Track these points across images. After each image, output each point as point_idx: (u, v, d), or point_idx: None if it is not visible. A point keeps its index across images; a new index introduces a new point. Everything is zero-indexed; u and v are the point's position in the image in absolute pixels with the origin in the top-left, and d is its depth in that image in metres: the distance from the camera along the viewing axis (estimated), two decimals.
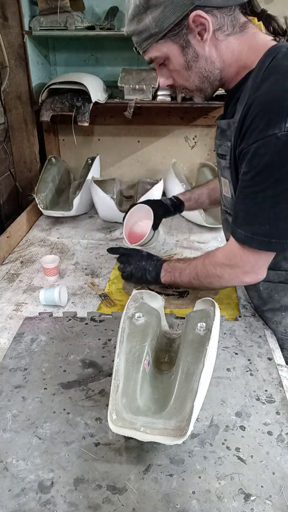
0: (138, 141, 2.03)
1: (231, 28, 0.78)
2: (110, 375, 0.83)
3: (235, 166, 0.85)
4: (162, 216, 1.31)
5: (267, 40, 0.80)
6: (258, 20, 0.83)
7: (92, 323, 1.01)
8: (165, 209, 1.30)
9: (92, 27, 1.67)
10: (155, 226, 1.29)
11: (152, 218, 1.27)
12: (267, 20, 0.83)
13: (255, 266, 0.87)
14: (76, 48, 1.86)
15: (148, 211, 1.28)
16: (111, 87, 1.85)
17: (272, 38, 0.81)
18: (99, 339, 0.95)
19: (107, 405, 0.69)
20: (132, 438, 0.65)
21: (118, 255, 1.19)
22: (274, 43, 0.79)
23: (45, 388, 0.82)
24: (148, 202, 1.32)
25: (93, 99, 1.63)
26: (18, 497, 0.62)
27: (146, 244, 1.32)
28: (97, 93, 1.68)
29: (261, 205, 0.77)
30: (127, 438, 0.70)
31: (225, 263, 0.91)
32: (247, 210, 0.80)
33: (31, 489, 0.63)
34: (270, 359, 0.89)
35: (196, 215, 1.59)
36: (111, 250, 1.23)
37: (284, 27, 0.83)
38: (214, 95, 0.90)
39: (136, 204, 1.36)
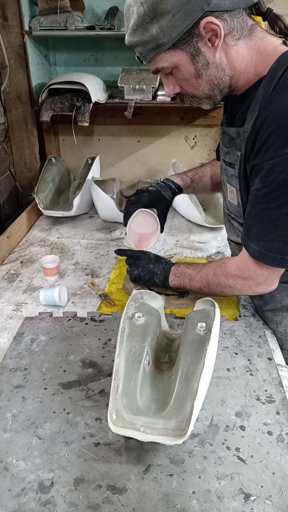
0: (138, 141, 2.03)
1: (240, 32, 0.75)
2: (110, 375, 0.83)
3: (245, 177, 0.84)
4: (165, 213, 1.25)
5: (276, 45, 0.77)
6: (264, 20, 0.81)
7: (92, 323, 1.01)
8: (167, 204, 1.24)
9: (92, 27, 1.67)
10: (161, 229, 1.24)
11: (159, 227, 1.22)
12: (273, 20, 0.80)
13: (269, 278, 0.88)
14: (76, 48, 1.86)
15: (152, 214, 1.23)
16: (111, 87, 1.85)
17: (281, 41, 0.78)
18: (99, 339, 0.95)
19: (107, 405, 0.69)
20: (132, 438, 0.65)
21: (126, 257, 1.17)
22: (284, 47, 0.77)
23: (45, 388, 0.82)
24: (150, 199, 1.23)
25: (93, 99, 1.63)
26: (18, 497, 0.62)
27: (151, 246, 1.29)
28: (97, 93, 1.68)
29: (275, 222, 0.77)
30: (127, 438, 0.70)
31: (238, 275, 0.91)
32: (261, 226, 0.80)
33: (31, 489, 0.63)
34: (270, 359, 0.89)
35: (196, 215, 1.59)
36: (118, 252, 1.21)
37: None
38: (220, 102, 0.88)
39: (138, 193, 1.25)
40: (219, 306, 0.81)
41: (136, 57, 0.82)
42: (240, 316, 1.04)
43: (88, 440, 0.71)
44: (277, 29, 0.80)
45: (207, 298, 0.88)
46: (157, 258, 1.12)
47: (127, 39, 0.78)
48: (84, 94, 1.65)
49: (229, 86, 0.82)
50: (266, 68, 0.76)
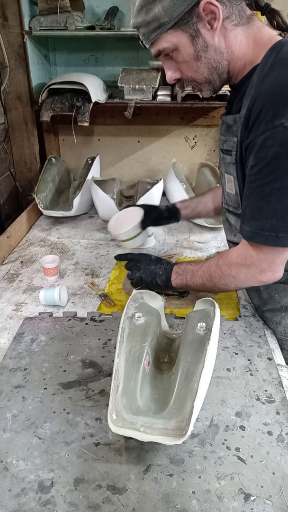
0: (138, 141, 2.03)
1: (239, 18, 0.78)
2: (110, 375, 0.83)
3: (241, 161, 0.84)
4: (155, 220, 1.27)
5: (272, 35, 0.79)
6: (262, 15, 0.83)
7: (92, 323, 1.01)
8: (159, 213, 1.27)
9: (92, 27, 1.67)
10: (144, 225, 1.26)
11: (142, 215, 1.24)
12: (271, 14, 0.82)
13: (272, 264, 0.83)
14: (76, 48, 1.86)
15: (139, 210, 1.26)
16: (111, 87, 1.85)
17: (277, 33, 0.80)
18: (99, 339, 0.95)
19: (107, 405, 0.69)
20: (132, 438, 0.65)
21: (126, 262, 1.14)
22: (280, 38, 0.79)
23: (45, 388, 0.82)
24: (142, 206, 1.29)
25: (93, 99, 1.63)
26: (18, 497, 0.62)
27: (133, 243, 1.28)
28: (97, 93, 1.68)
29: (268, 198, 0.75)
30: (127, 438, 0.70)
31: (240, 262, 0.88)
32: (254, 205, 0.78)
33: (31, 489, 0.63)
34: (270, 359, 0.89)
35: None
36: (119, 257, 1.19)
37: None
38: (219, 91, 0.89)
39: (129, 206, 1.35)
40: (219, 306, 0.81)
41: (140, 42, 0.84)
42: (240, 316, 1.04)
43: (88, 440, 0.71)
44: (275, 24, 0.82)
45: (207, 298, 0.88)
46: (158, 260, 1.10)
47: (132, 21, 0.81)
48: (84, 94, 1.65)
49: (227, 72, 0.83)
50: (261, 56, 0.77)
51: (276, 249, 0.81)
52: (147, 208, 1.28)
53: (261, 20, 0.82)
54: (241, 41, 0.79)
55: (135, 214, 1.27)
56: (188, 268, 1.03)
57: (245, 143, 0.79)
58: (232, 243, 1.03)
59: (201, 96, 0.91)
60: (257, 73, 0.77)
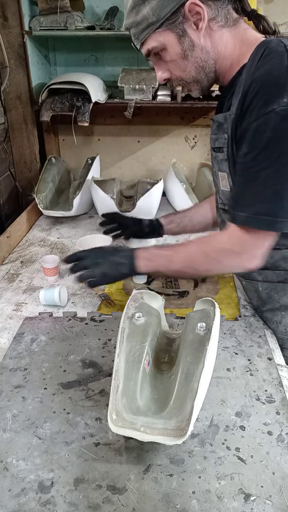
0: (138, 141, 2.03)
1: (225, 20, 0.81)
2: (110, 375, 0.83)
3: (233, 158, 0.84)
4: (135, 234, 1.24)
5: (257, 36, 0.82)
6: (249, 19, 0.86)
7: (92, 323, 1.01)
8: (139, 228, 1.22)
9: (92, 27, 1.67)
10: (125, 238, 1.24)
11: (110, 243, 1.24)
12: (257, 19, 0.85)
13: (262, 250, 0.82)
14: (76, 48, 1.86)
15: (107, 240, 1.28)
16: (111, 87, 1.85)
17: (264, 36, 0.83)
18: (99, 339, 0.95)
19: (107, 405, 0.69)
20: (132, 438, 0.65)
21: (74, 262, 0.97)
22: (264, 39, 0.81)
23: (45, 388, 0.82)
24: (126, 219, 1.26)
25: (93, 99, 1.63)
26: (18, 497, 0.62)
27: None
28: (97, 93, 1.68)
29: (264, 183, 0.75)
30: (127, 438, 0.70)
31: (231, 249, 0.85)
32: (248, 191, 0.78)
33: (31, 489, 0.63)
34: (270, 359, 0.89)
35: None
36: (65, 260, 0.99)
37: (274, 28, 0.85)
38: (210, 90, 0.91)
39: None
40: (219, 306, 0.81)
41: (132, 44, 0.87)
42: (240, 316, 1.04)
43: (88, 440, 0.71)
44: (261, 28, 0.85)
45: (207, 298, 0.88)
46: (114, 249, 1.01)
47: (124, 23, 0.85)
48: (84, 94, 1.65)
49: (214, 72, 0.86)
50: (248, 55, 0.79)
51: (270, 235, 0.80)
52: (130, 221, 1.25)
53: (247, 23, 0.85)
54: (227, 41, 0.82)
55: (103, 241, 1.30)
56: (159, 253, 0.95)
57: (239, 130, 0.80)
58: None
59: (193, 96, 0.93)
60: (246, 71, 0.78)
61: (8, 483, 0.64)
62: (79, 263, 0.96)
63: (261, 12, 0.90)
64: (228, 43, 0.82)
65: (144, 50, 0.86)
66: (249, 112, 0.75)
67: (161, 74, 0.88)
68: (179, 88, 0.93)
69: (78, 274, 0.95)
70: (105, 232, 1.26)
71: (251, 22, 0.86)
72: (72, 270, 0.96)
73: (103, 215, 1.28)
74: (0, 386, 0.82)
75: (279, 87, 0.71)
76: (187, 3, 0.77)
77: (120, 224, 1.25)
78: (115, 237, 1.27)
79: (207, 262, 0.89)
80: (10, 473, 0.65)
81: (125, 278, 1.02)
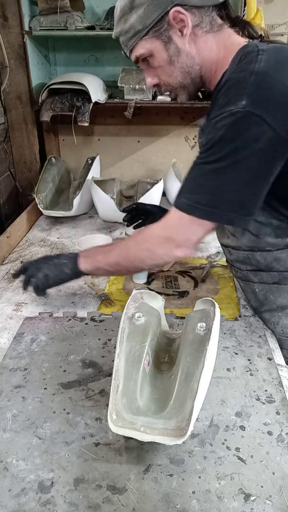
0: (138, 141, 2.03)
1: (210, 26, 0.84)
2: (110, 375, 0.83)
3: None
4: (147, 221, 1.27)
5: (241, 41, 0.84)
6: (234, 26, 0.88)
7: (92, 323, 1.01)
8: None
9: (92, 27, 1.67)
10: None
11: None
12: (242, 25, 0.88)
13: (193, 239, 0.85)
14: (76, 48, 1.86)
15: (107, 239, 1.29)
16: (111, 87, 1.84)
17: (246, 40, 0.85)
18: (99, 339, 0.95)
19: (107, 405, 0.69)
20: (132, 438, 0.65)
21: (16, 273, 1.06)
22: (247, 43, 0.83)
23: (45, 388, 0.82)
24: (145, 206, 1.29)
25: (93, 99, 1.63)
26: (18, 497, 0.62)
27: None
28: (97, 93, 1.68)
29: (208, 176, 0.78)
30: (127, 438, 0.70)
31: (160, 234, 0.88)
32: (194, 180, 0.81)
33: (31, 489, 0.63)
34: (270, 359, 0.89)
35: None
36: (13, 276, 1.10)
37: (260, 33, 0.87)
38: (196, 95, 0.94)
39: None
40: (219, 306, 0.81)
41: (122, 53, 0.91)
42: (240, 316, 1.04)
43: (88, 440, 0.71)
44: (246, 33, 0.87)
45: (207, 298, 0.88)
46: (58, 254, 1.06)
47: (113, 32, 0.89)
48: (84, 94, 1.65)
49: (200, 77, 0.89)
50: (230, 61, 0.82)
51: (205, 225, 0.82)
52: (156, 208, 1.27)
53: (231, 29, 0.87)
54: (212, 46, 0.85)
55: (103, 241, 1.32)
56: (99, 249, 1.00)
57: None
58: (225, 246, 1.03)
59: (178, 101, 0.97)
60: (226, 76, 0.81)
61: (8, 483, 0.64)
62: (25, 274, 1.03)
63: (261, 12, 0.91)
64: (213, 48, 0.85)
65: (133, 57, 0.89)
66: (213, 111, 0.79)
67: (150, 80, 0.92)
68: (167, 93, 0.96)
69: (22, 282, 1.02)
70: (128, 222, 1.27)
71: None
72: (22, 281, 1.03)
73: (124, 210, 1.29)
74: (0, 386, 0.82)
75: (240, 89, 0.73)
76: (171, 11, 0.80)
77: (145, 212, 1.26)
78: (137, 227, 1.27)
79: (140, 252, 0.91)
80: (10, 473, 0.65)
81: (69, 278, 1.01)
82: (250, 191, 0.77)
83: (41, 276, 1.00)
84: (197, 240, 0.86)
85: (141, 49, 0.86)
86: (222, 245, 1.06)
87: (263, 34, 0.88)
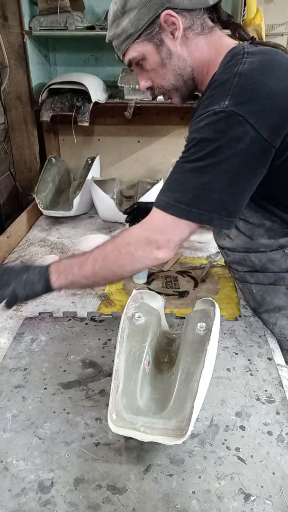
0: (138, 141, 2.03)
1: (201, 29, 0.84)
2: (110, 375, 0.83)
3: None
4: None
5: (230, 43, 0.85)
6: (225, 28, 0.89)
7: (92, 323, 1.01)
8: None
9: (92, 27, 1.67)
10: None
11: None
12: (233, 27, 0.89)
13: (174, 239, 0.82)
14: (76, 48, 1.86)
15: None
16: (111, 87, 1.84)
17: (237, 42, 0.85)
18: (99, 339, 0.95)
19: (107, 405, 0.69)
20: (132, 438, 0.65)
21: None
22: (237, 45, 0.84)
23: (45, 388, 0.82)
24: (146, 205, 1.29)
25: (93, 99, 1.63)
26: (18, 497, 0.62)
27: None
28: (97, 93, 1.68)
29: (189, 175, 0.77)
30: (127, 438, 0.70)
31: (139, 235, 0.84)
32: (175, 179, 0.80)
33: (31, 489, 0.63)
34: (270, 359, 0.89)
35: None
36: None
37: (252, 35, 0.88)
38: (190, 96, 0.94)
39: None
40: (219, 306, 0.81)
41: (116, 56, 0.91)
42: (240, 316, 1.04)
43: (88, 440, 0.71)
44: (237, 35, 0.88)
45: (207, 298, 0.88)
46: (26, 267, 0.93)
47: (107, 36, 0.89)
48: (84, 94, 1.65)
49: (192, 79, 0.89)
50: (218, 64, 0.83)
51: (186, 225, 0.80)
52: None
53: (222, 32, 0.88)
54: (203, 48, 0.85)
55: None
56: (73, 261, 0.90)
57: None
58: (222, 248, 1.03)
59: (173, 103, 0.97)
60: (213, 77, 0.81)
61: (8, 483, 0.64)
62: None
63: (261, 12, 0.91)
64: (204, 50, 0.85)
65: (126, 61, 0.90)
66: (197, 111, 0.80)
67: (144, 83, 0.92)
68: (160, 96, 0.97)
69: None
70: (130, 223, 1.26)
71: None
72: None
73: (126, 212, 1.29)
74: (0, 386, 0.82)
75: (224, 90, 0.73)
76: (162, 15, 0.81)
77: (147, 210, 1.24)
78: None
79: (119, 256, 0.86)
80: (10, 473, 0.65)
81: (41, 294, 0.92)
82: (231, 191, 0.76)
83: (9, 294, 0.90)
84: (179, 241, 0.83)
85: (133, 52, 0.87)
86: (219, 246, 1.06)
87: (255, 36, 0.89)
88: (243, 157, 0.73)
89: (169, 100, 0.96)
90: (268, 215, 0.89)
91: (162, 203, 0.81)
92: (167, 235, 0.82)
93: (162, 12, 0.81)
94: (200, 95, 0.93)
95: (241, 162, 0.74)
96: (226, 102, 0.72)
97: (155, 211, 0.83)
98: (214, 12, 0.87)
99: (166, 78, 0.89)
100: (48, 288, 0.90)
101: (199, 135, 0.75)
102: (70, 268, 0.89)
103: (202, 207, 0.77)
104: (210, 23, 0.86)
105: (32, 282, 0.90)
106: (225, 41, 0.86)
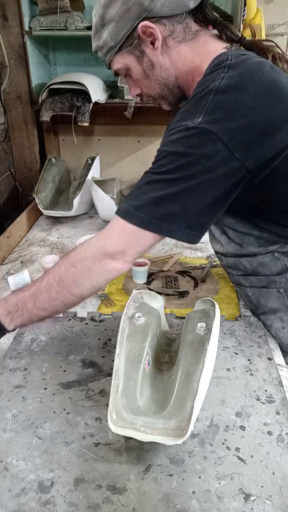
0: (138, 141, 2.03)
1: (183, 35, 0.82)
2: (110, 375, 0.83)
3: None
4: None
5: (217, 48, 0.82)
6: (213, 28, 0.87)
7: (92, 323, 1.01)
8: None
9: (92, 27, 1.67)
10: None
11: None
12: (220, 28, 0.85)
13: (127, 251, 0.78)
14: (76, 48, 1.86)
15: None
16: (111, 87, 1.85)
17: (225, 46, 0.82)
18: (99, 339, 0.95)
19: (107, 405, 0.69)
20: (132, 438, 0.65)
21: None
22: (224, 51, 0.81)
23: (45, 388, 0.82)
24: None
25: (93, 99, 1.63)
26: (18, 497, 0.62)
27: None
28: (97, 93, 1.68)
29: (155, 185, 0.75)
30: (127, 438, 0.70)
31: (95, 247, 0.79)
32: (140, 188, 0.77)
33: (31, 489, 0.63)
34: (270, 359, 0.89)
35: None
36: None
37: (239, 35, 0.85)
38: (180, 102, 0.92)
39: None
40: (219, 306, 0.81)
41: (104, 64, 0.90)
42: (240, 316, 1.04)
43: (88, 440, 0.71)
44: (224, 36, 0.85)
45: (207, 298, 0.88)
46: None
47: (92, 46, 0.88)
48: (84, 94, 1.65)
49: (178, 87, 0.88)
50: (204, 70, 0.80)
51: (144, 235, 0.76)
52: None
53: (210, 33, 0.85)
54: (186, 56, 0.83)
55: None
56: (23, 296, 0.83)
57: None
58: (216, 253, 1.04)
59: (164, 108, 0.96)
60: (198, 86, 0.79)
61: (8, 483, 0.64)
62: None
63: (261, 12, 0.90)
64: (187, 58, 0.83)
65: (113, 71, 0.90)
66: (172, 124, 0.78)
67: (133, 91, 0.92)
68: (150, 103, 0.96)
69: None
70: None
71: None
72: None
73: None
74: (0, 386, 0.82)
75: (198, 106, 0.72)
76: (139, 26, 0.79)
77: None
78: None
79: (75, 274, 0.79)
80: (10, 473, 0.65)
81: None
82: (196, 207, 0.73)
83: None
84: (136, 253, 0.79)
85: (117, 64, 0.86)
86: (214, 251, 1.07)
87: (249, 35, 0.86)
88: (213, 175, 0.71)
89: (158, 106, 0.95)
90: (256, 226, 0.90)
91: (123, 211, 0.77)
92: (124, 246, 0.78)
93: (139, 23, 0.78)
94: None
95: (209, 180, 0.71)
96: (200, 119, 0.70)
97: (114, 219, 0.78)
98: (200, 13, 0.83)
99: (152, 88, 0.88)
100: (2, 333, 0.84)
101: (170, 148, 0.74)
102: (22, 304, 0.82)
103: (164, 218, 0.74)
104: (194, 27, 0.83)
105: None
106: (210, 46, 0.82)
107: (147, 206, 0.74)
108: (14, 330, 0.86)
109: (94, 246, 0.80)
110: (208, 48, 0.82)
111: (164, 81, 0.86)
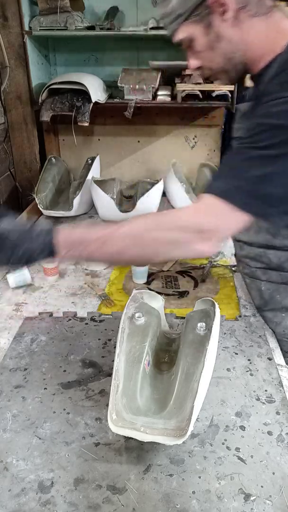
0: (138, 141, 2.03)
1: (256, 9, 0.76)
2: (110, 375, 0.83)
3: None
4: None
5: None
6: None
7: (92, 323, 1.01)
8: None
9: (92, 27, 1.67)
10: None
11: None
12: None
13: (221, 231, 0.73)
14: (76, 48, 1.86)
15: None
16: (111, 87, 1.84)
17: None
18: (99, 339, 0.95)
19: (107, 405, 0.69)
20: (132, 438, 0.65)
21: None
22: None
23: (45, 388, 0.82)
24: None
25: (93, 99, 1.63)
26: (18, 497, 0.62)
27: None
28: (97, 93, 1.68)
29: (253, 162, 0.70)
30: (127, 438, 0.70)
31: (192, 220, 0.74)
32: (235, 165, 0.73)
33: (31, 489, 0.63)
34: (270, 359, 0.89)
35: None
36: None
37: None
38: (239, 80, 0.88)
39: None
40: (219, 306, 0.81)
41: (166, 33, 0.85)
42: (240, 316, 1.04)
43: (88, 440, 0.71)
44: None
45: (207, 298, 0.88)
46: (30, 229, 0.76)
47: (157, 12, 0.85)
48: (84, 94, 1.65)
49: (243, 63, 0.83)
50: (280, 46, 0.77)
51: (240, 216, 0.71)
52: None
53: (283, 11, 0.81)
54: (258, 31, 0.78)
55: None
56: (89, 236, 0.76)
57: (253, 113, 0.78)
58: (237, 241, 1.00)
59: (220, 82, 0.91)
60: (278, 62, 0.76)
61: (8, 483, 0.64)
62: None
63: None
64: (260, 34, 0.78)
65: (175, 40, 0.84)
66: (266, 95, 0.73)
67: (192, 61, 0.86)
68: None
69: None
70: None
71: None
72: None
73: None
74: (0, 386, 0.82)
75: None
76: None
77: None
78: None
79: (160, 241, 0.74)
80: (10, 473, 0.65)
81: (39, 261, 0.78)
82: None
83: (5, 255, 0.74)
84: (227, 235, 0.75)
85: (182, 33, 0.81)
86: (233, 239, 1.03)
87: None
88: None
89: (214, 80, 0.90)
90: None
91: (220, 190, 0.71)
92: (220, 225, 0.72)
93: None
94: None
95: None
96: None
97: (208, 198, 0.72)
98: None
99: (215, 61, 0.83)
100: (50, 258, 0.76)
101: (271, 121, 0.68)
102: (86, 243, 0.75)
103: (262, 199, 0.69)
104: (268, 2, 0.77)
105: (30, 250, 0.74)
106: (285, 23, 0.78)
107: (247, 186, 0.69)
108: (61, 260, 0.81)
109: (186, 219, 0.74)
110: (283, 25, 0.79)
111: (230, 56, 0.81)
